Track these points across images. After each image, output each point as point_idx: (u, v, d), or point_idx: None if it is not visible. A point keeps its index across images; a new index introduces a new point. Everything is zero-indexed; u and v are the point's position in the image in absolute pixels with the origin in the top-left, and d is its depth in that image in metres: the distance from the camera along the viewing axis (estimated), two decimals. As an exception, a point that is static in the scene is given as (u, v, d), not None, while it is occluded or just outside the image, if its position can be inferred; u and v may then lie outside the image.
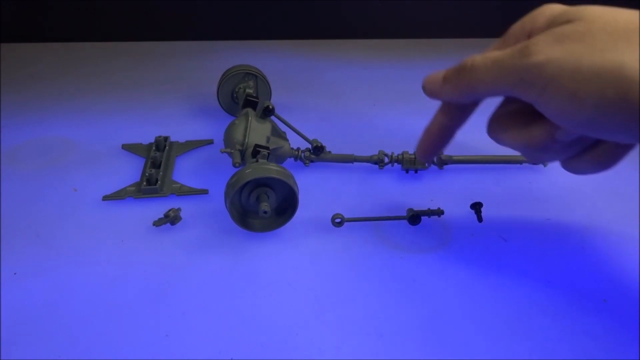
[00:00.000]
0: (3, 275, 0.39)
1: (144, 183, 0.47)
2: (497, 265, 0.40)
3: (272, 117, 0.48)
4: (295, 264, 0.40)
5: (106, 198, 0.47)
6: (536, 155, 0.29)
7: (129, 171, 0.51)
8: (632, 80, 0.20)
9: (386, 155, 0.51)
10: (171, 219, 0.43)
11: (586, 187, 0.50)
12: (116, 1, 0.85)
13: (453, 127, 0.31)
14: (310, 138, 0.49)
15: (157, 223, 0.43)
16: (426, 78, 0.30)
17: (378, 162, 0.50)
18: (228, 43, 0.87)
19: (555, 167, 0.53)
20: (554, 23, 0.24)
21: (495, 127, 0.29)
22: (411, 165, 0.50)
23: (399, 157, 0.50)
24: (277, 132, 0.48)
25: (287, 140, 0.49)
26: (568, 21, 0.23)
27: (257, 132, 0.46)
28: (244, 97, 0.51)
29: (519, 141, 0.27)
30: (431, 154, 0.33)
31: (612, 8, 0.23)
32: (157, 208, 0.45)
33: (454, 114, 0.30)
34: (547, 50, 0.22)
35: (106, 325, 0.35)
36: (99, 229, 0.43)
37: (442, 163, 0.51)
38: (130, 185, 0.48)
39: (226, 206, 0.41)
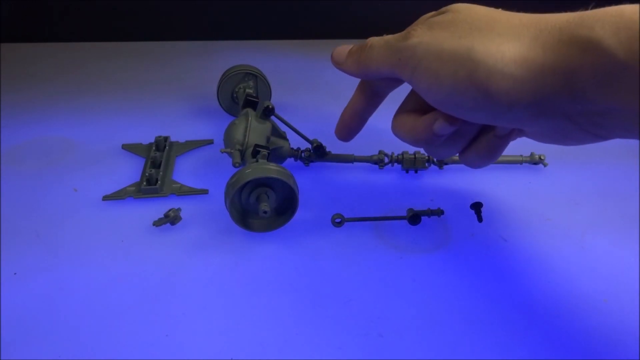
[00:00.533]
0: (3, 275, 0.39)
1: (144, 183, 0.47)
2: (497, 265, 0.40)
3: (272, 117, 0.48)
4: (295, 264, 0.40)
5: (106, 198, 0.47)
6: (432, 149, 0.32)
7: (129, 171, 0.51)
8: (479, 62, 0.22)
9: (386, 155, 0.51)
10: (171, 219, 0.43)
11: (586, 187, 0.50)
12: (116, 1, 0.85)
13: (364, 112, 0.35)
14: (310, 138, 0.49)
15: (157, 223, 0.43)
16: (336, 48, 0.34)
17: (378, 162, 0.50)
18: (228, 43, 0.87)
19: (555, 167, 0.53)
20: (436, 14, 0.27)
21: (395, 124, 0.32)
22: (411, 165, 0.50)
23: (399, 157, 0.50)
24: (277, 132, 0.48)
25: (287, 140, 0.49)
26: (442, 12, 0.27)
27: (257, 132, 0.46)
28: (244, 97, 0.51)
29: (410, 135, 0.30)
30: (346, 134, 0.37)
31: (478, 5, 0.26)
32: (157, 208, 0.45)
33: (365, 100, 0.34)
34: (421, 34, 0.25)
35: (106, 325, 0.35)
36: (99, 229, 0.43)
37: (442, 163, 0.51)
38: (130, 185, 0.48)
39: (226, 206, 0.41)
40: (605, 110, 0.22)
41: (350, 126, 0.36)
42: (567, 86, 0.21)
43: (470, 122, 0.27)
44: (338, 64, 0.34)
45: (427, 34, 0.25)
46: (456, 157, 0.51)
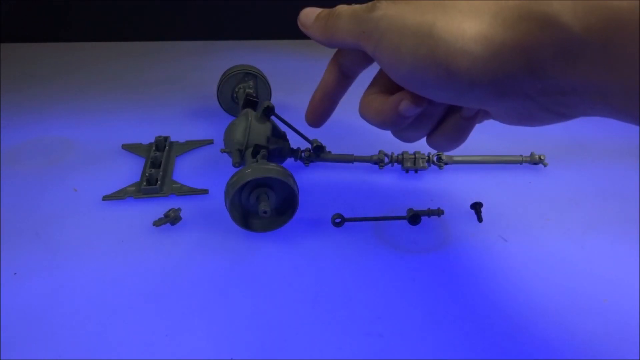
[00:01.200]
0: (3, 275, 0.39)
1: (144, 183, 0.47)
2: (497, 265, 0.40)
3: (272, 117, 0.48)
4: (295, 264, 0.40)
5: (106, 198, 0.47)
6: (400, 132, 0.32)
7: (129, 171, 0.51)
8: (439, 40, 0.22)
9: (386, 155, 0.51)
10: (171, 219, 0.43)
11: (586, 187, 0.50)
12: (116, 1, 0.85)
13: (334, 95, 0.35)
14: (310, 138, 0.49)
15: (157, 223, 0.43)
16: (305, 10, 0.33)
17: (378, 162, 0.50)
18: (228, 43, 0.87)
19: (555, 167, 0.53)
20: None
21: (362, 105, 0.31)
22: (411, 165, 0.50)
23: (399, 157, 0.50)
24: (277, 132, 0.48)
25: (287, 140, 0.49)
26: None
27: (257, 132, 0.46)
28: (244, 97, 0.51)
29: (377, 117, 0.29)
30: (317, 119, 0.36)
31: None
32: (157, 208, 0.45)
33: (335, 82, 0.34)
34: (385, 7, 0.25)
35: (106, 325, 0.35)
36: (99, 229, 0.43)
37: (442, 163, 0.51)
38: (130, 185, 0.48)
39: (226, 206, 0.41)
40: (566, 88, 0.21)
41: (320, 110, 0.35)
42: (527, 64, 0.21)
43: (436, 102, 0.27)
44: (304, 27, 0.32)
45: (392, 7, 0.24)
46: (457, 157, 0.51)
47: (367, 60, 0.32)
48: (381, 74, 0.32)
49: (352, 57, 0.32)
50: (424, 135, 0.31)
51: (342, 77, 0.34)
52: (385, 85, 0.31)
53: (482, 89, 0.22)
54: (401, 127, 0.29)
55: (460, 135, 0.30)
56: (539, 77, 0.21)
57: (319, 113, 0.35)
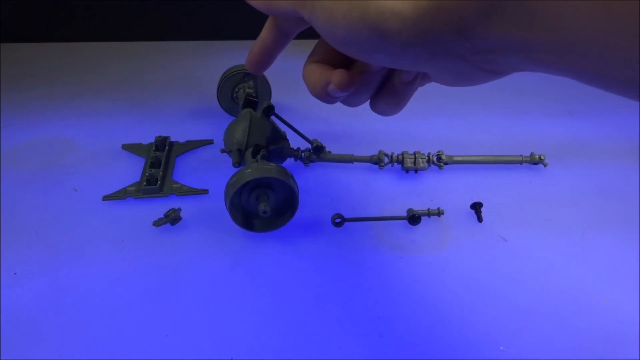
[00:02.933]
0: (3, 275, 0.39)
1: (144, 183, 0.47)
2: (497, 265, 0.40)
3: (272, 117, 0.48)
4: (296, 264, 0.40)
5: (106, 198, 0.47)
6: (342, 101, 0.31)
7: (129, 171, 0.51)
8: (370, 1, 0.22)
9: (386, 155, 0.51)
10: (171, 219, 0.43)
11: (586, 187, 0.50)
12: (116, 1, 0.85)
13: (272, 50, 0.34)
14: (310, 138, 0.49)
15: (157, 223, 0.43)
16: None
17: (378, 162, 0.50)
18: (228, 43, 0.87)
19: (555, 167, 0.53)
20: None
21: (303, 74, 0.31)
22: (411, 165, 0.50)
23: (399, 157, 0.50)
24: (277, 132, 0.48)
25: (287, 140, 0.49)
26: None
27: (257, 132, 0.46)
28: (244, 97, 0.51)
29: (313, 91, 0.30)
30: (255, 68, 0.35)
31: None
32: (157, 208, 0.45)
33: (273, 39, 0.34)
34: None
35: (106, 325, 0.35)
36: (99, 229, 0.43)
37: (442, 163, 0.51)
38: (130, 185, 0.48)
39: (226, 206, 0.41)
40: (493, 46, 0.22)
41: (259, 61, 0.35)
42: (455, 24, 0.21)
43: (373, 69, 0.27)
44: None
45: None
46: (457, 157, 0.51)
47: (304, 22, 0.31)
48: (320, 42, 0.32)
49: (289, 19, 0.32)
50: (366, 101, 0.32)
51: (280, 35, 0.34)
52: (324, 53, 0.31)
53: (415, 51, 0.23)
54: (338, 100, 0.30)
55: (400, 99, 0.30)
56: (466, 37, 0.22)
57: (258, 63, 0.35)
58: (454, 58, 0.24)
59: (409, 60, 0.24)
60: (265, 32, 0.35)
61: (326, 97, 0.29)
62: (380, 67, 0.28)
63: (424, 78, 0.30)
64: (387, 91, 0.30)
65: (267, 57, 0.35)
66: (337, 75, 0.27)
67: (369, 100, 0.32)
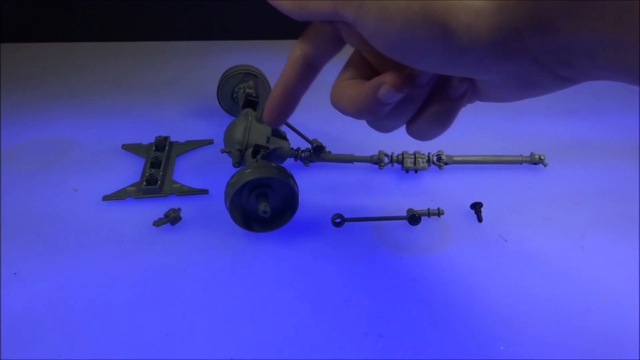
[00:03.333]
0: (3, 275, 0.39)
1: (144, 183, 0.47)
2: (497, 265, 0.40)
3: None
4: (295, 264, 0.40)
5: (106, 198, 0.47)
6: (377, 122, 0.29)
7: (129, 171, 0.51)
8: None
9: (386, 155, 0.51)
10: (171, 219, 0.43)
11: (586, 187, 0.50)
12: (116, 1, 0.85)
13: (297, 89, 0.30)
14: (310, 138, 0.49)
15: (157, 223, 0.43)
16: None
17: (378, 162, 0.50)
18: (228, 43, 0.87)
19: (555, 167, 0.53)
20: None
21: (335, 94, 0.28)
22: (411, 165, 0.50)
23: (399, 157, 0.50)
24: (277, 132, 0.48)
25: (287, 140, 0.49)
26: None
27: (257, 132, 0.46)
28: (244, 97, 0.51)
29: (352, 106, 0.27)
30: (277, 117, 0.31)
31: None
32: (157, 208, 0.45)
33: (298, 74, 0.30)
34: None
35: (106, 325, 0.35)
36: (99, 229, 0.43)
37: (442, 163, 0.51)
38: (130, 185, 0.48)
39: (226, 206, 0.41)
40: (577, 46, 0.20)
41: (281, 108, 0.31)
42: (536, 17, 0.19)
43: (420, 82, 0.25)
44: None
45: None
46: (457, 157, 0.51)
47: (337, 43, 0.29)
48: (355, 57, 0.29)
49: (320, 40, 0.29)
50: (404, 123, 0.28)
51: (307, 68, 0.30)
52: (360, 69, 0.28)
53: (483, 50, 0.21)
54: (380, 115, 0.27)
55: (446, 119, 0.27)
56: (547, 33, 0.20)
57: (280, 111, 0.31)
58: (526, 59, 0.21)
59: (472, 63, 0.22)
60: (289, 69, 0.30)
61: (374, 105, 0.25)
62: (428, 78, 0.25)
63: (474, 92, 0.27)
64: (431, 109, 0.27)
65: (292, 101, 0.31)
66: (391, 76, 0.24)
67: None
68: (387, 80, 0.24)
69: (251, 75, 0.58)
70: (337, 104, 0.28)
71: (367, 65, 0.28)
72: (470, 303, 0.37)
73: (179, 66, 0.78)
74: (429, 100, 0.27)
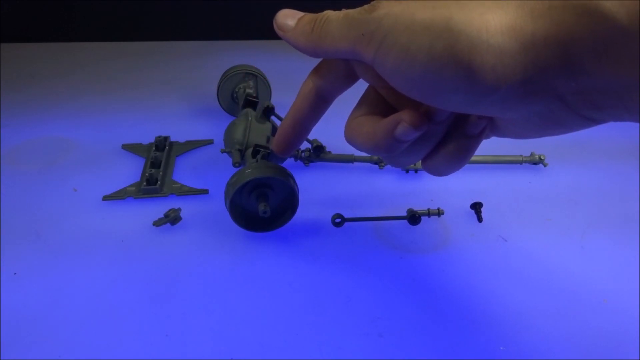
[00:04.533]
0: (3, 275, 0.39)
1: (144, 183, 0.47)
2: (497, 265, 0.40)
3: (272, 117, 0.48)
4: (295, 264, 0.40)
5: (106, 198, 0.47)
6: (392, 158, 0.28)
7: (129, 171, 0.51)
8: (459, 33, 0.20)
9: (386, 155, 0.51)
10: (171, 219, 0.43)
11: (586, 187, 0.50)
12: (116, 1, 0.85)
13: (307, 122, 0.31)
14: (310, 138, 0.49)
15: (157, 223, 0.43)
16: (283, 11, 0.29)
17: (378, 162, 0.50)
18: (228, 43, 0.87)
19: (555, 167, 0.53)
20: None
21: (349, 130, 0.28)
22: (411, 165, 0.50)
23: (399, 157, 0.50)
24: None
25: (287, 140, 0.49)
26: None
27: (257, 132, 0.46)
28: (244, 97, 0.51)
29: (367, 143, 0.26)
30: (286, 148, 0.31)
31: None
32: (157, 208, 0.45)
33: (309, 107, 0.30)
34: (388, 6, 0.22)
35: (106, 325, 0.35)
36: (99, 229, 0.43)
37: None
38: (130, 185, 0.48)
39: (226, 206, 0.41)
40: (605, 87, 0.19)
41: (291, 138, 0.31)
42: (563, 58, 0.19)
43: (438, 119, 0.24)
44: (282, 31, 0.28)
45: (396, 5, 0.22)
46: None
47: (351, 78, 0.29)
48: (369, 93, 0.29)
49: (333, 75, 0.29)
50: (419, 159, 0.28)
51: (318, 101, 0.30)
52: (375, 105, 0.28)
53: (508, 90, 0.20)
54: (395, 153, 0.26)
55: (462, 156, 0.26)
56: (574, 74, 0.19)
57: (289, 141, 0.31)
58: (550, 99, 0.21)
59: (496, 103, 0.21)
60: (300, 102, 0.30)
61: (391, 143, 0.24)
62: (446, 116, 0.24)
63: (492, 129, 0.26)
64: (448, 147, 0.26)
65: (301, 132, 0.31)
66: (409, 113, 0.23)
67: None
68: (405, 118, 0.23)
69: (251, 75, 0.58)
70: (352, 141, 0.28)
71: (382, 101, 0.27)
72: (470, 303, 0.37)
73: (179, 66, 0.78)
74: (445, 137, 0.26)
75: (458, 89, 0.21)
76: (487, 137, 0.27)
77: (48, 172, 0.51)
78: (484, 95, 0.20)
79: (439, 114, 0.24)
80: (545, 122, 0.23)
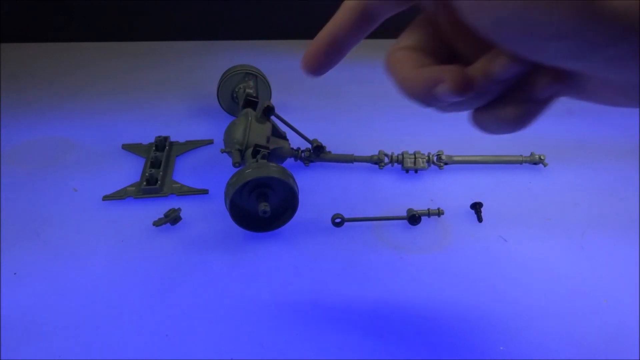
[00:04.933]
0: (3, 275, 0.39)
1: (144, 183, 0.47)
2: (497, 265, 0.40)
3: (272, 117, 0.48)
4: (295, 264, 0.40)
5: (106, 198, 0.47)
6: (437, 105, 0.23)
7: (129, 171, 0.51)
8: None
9: (386, 155, 0.51)
10: (171, 219, 0.43)
11: (586, 187, 0.50)
12: (116, 1, 0.85)
13: (347, 40, 0.24)
14: (310, 138, 0.49)
15: (157, 223, 0.43)
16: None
17: (378, 162, 0.50)
18: (228, 43, 0.87)
19: (555, 167, 0.53)
20: None
21: (388, 63, 0.23)
22: (411, 165, 0.50)
23: (399, 157, 0.50)
24: (277, 132, 0.48)
25: (287, 140, 0.49)
26: None
27: (257, 132, 0.46)
28: (244, 97, 0.51)
29: (403, 86, 0.22)
30: (317, 66, 0.25)
31: None
32: (157, 208, 0.45)
33: (352, 22, 0.23)
34: None
35: (106, 325, 0.35)
36: (99, 229, 0.43)
37: (442, 163, 0.51)
38: (130, 185, 0.48)
39: (226, 206, 0.41)
40: None
41: (324, 55, 0.25)
42: None
43: (503, 76, 0.19)
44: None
45: None
46: (457, 157, 0.51)
47: (406, 1, 0.22)
48: (422, 21, 0.23)
49: None
50: (469, 110, 0.23)
51: (363, 19, 0.23)
52: (427, 39, 0.22)
53: (636, 42, 0.14)
54: (436, 107, 0.22)
55: (521, 121, 0.21)
56: None
57: (322, 59, 0.25)
58: None
59: (613, 58, 0.16)
60: (341, 16, 0.24)
61: (429, 99, 0.21)
62: (515, 73, 0.19)
63: (573, 88, 0.21)
64: (507, 108, 0.21)
65: (338, 52, 0.25)
66: (453, 74, 0.19)
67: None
68: (447, 78, 0.19)
69: (251, 75, 0.58)
70: (390, 75, 0.23)
71: (436, 36, 0.22)
72: (470, 303, 0.37)
73: (179, 66, 0.78)
74: (505, 97, 0.21)
75: (570, 33, 0.15)
76: (557, 97, 0.21)
77: (48, 172, 0.51)
78: (599, 48, 0.15)
79: (506, 71, 0.19)
80: None
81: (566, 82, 0.20)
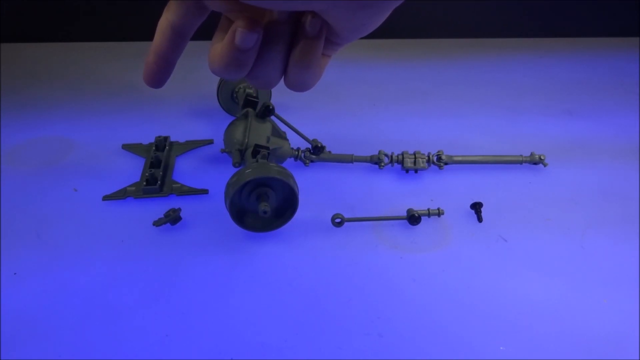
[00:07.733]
0: (3, 275, 0.39)
1: (144, 183, 0.47)
2: (497, 265, 0.40)
3: (272, 117, 0.48)
4: (295, 264, 0.40)
5: (106, 198, 0.47)
6: (252, 73, 0.27)
7: (129, 171, 0.51)
8: None
9: (386, 155, 0.51)
10: (171, 219, 0.43)
11: (586, 187, 0.50)
12: (116, 1, 0.85)
13: (169, 56, 0.28)
14: (310, 138, 0.49)
15: (157, 223, 0.43)
16: None
17: (378, 162, 0.50)
18: (228, 43, 0.87)
19: (555, 167, 0.53)
20: None
21: (209, 58, 0.27)
22: (411, 165, 0.50)
23: (399, 157, 0.50)
24: (277, 132, 0.48)
25: (287, 140, 0.49)
26: None
27: (257, 132, 0.46)
28: (244, 97, 0.51)
29: (220, 63, 0.26)
30: (155, 80, 0.29)
31: None
32: (157, 208, 0.45)
33: (168, 43, 0.28)
34: None
35: (106, 325, 0.35)
36: (99, 229, 0.43)
37: (442, 163, 0.51)
38: (130, 185, 0.48)
39: (226, 206, 0.41)
40: None
41: (156, 72, 0.29)
42: None
43: (274, 18, 0.25)
44: None
45: None
46: (457, 157, 0.51)
47: (202, 10, 0.28)
48: (223, 22, 0.28)
49: (184, 9, 0.28)
50: (280, 73, 0.28)
51: (176, 37, 0.29)
52: (227, 30, 0.27)
53: None
54: (248, 65, 0.26)
55: (309, 61, 0.26)
56: None
57: (155, 75, 0.29)
58: None
59: None
60: (158, 36, 0.29)
61: (236, 53, 0.25)
62: (283, 17, 0.25)
63: (330, 33, 0.26)
64: (294, 54, 0.26)
65: (166, 67, 0.29)
66: (242, 20, 0.24)
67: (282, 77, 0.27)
68: (239, 24, 0.24)
69: (251, 75, 0.58)
70: (212, 67, 0.27)
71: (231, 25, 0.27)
72: (470, 303, 0.37)
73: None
74: (292, 46, 0.26)
75: None
76: (333, 49, 0.27)
77: (48, 172, 0.51)
78: None
79: (275, 15, 0.25)
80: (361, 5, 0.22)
81: (323, 20, 0.24)
